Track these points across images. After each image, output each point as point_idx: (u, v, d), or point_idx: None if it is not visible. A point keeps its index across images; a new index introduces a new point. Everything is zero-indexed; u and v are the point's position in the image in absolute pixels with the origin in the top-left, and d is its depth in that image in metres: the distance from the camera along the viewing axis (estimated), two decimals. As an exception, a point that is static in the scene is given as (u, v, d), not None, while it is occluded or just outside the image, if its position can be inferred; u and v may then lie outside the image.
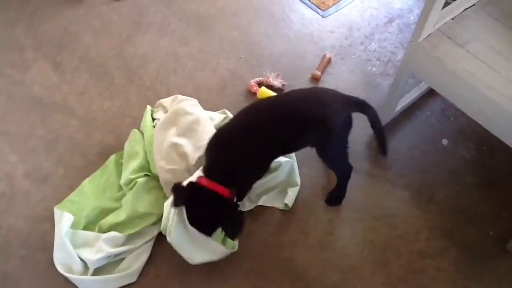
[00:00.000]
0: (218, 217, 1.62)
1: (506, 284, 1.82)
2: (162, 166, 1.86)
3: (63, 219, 1.79)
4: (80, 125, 2.19)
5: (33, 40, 2.51)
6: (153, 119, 2.09)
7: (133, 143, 2.03)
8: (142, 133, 2.05)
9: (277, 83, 2.33)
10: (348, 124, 1.81)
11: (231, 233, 1.65)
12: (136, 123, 2.18)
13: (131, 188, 1.87)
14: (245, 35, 2.59)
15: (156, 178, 1.91)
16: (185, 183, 1.64)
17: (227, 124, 1.81)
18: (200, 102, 2.27)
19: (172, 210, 1.64)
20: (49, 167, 2.05)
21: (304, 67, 2.45)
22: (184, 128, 1.93)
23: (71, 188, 1.97)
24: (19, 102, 2.25)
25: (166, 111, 2.08)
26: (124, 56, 2.46)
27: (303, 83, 2.38)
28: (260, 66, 2.42)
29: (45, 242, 1.82)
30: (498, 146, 2.15)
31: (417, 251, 1.89)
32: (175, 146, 1.87)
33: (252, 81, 2.33)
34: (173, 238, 1.66)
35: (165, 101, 2.13)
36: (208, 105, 2.26)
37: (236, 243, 1.82)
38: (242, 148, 1.64)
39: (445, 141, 2.20)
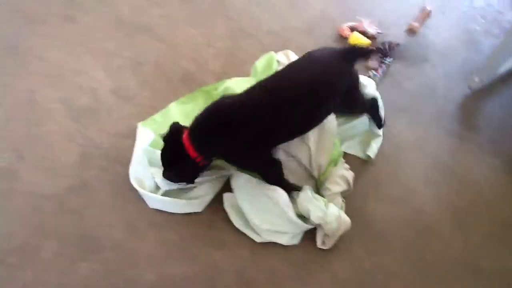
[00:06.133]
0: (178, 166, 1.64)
1: None
2: (283, 149, 1.77)
3: (144, 136, 1.81)
4: (166, 49, 2.18)
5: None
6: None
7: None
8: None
9: (371, 30, 2.20)
10: (351, 78, 1.67)
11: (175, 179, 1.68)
12: (221, 54, 2.15)
13: None
14: (340, -23, 2.46)
15: None
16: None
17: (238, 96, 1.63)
18: (286, 42, 2.21)
19: None
20: (134, 87, 2.06)
21: (400, 16, 2.30)
22: None
23: (154, 109, 1.97)
24: (107, 21, 2.25)
25: None
26: (214, -16, 2.39)
27: (398, 34, 2.24)
28: (353, 10, 2.30)
29: (124, 157, 1.84)
30: None
31: (501, 221, 1.78)
32: None
33: (344, 25, 2.22)
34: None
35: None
36: (293, 46, 2.18)
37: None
38: (242, 130, 1.54)
39: (547, 112, 2.03)
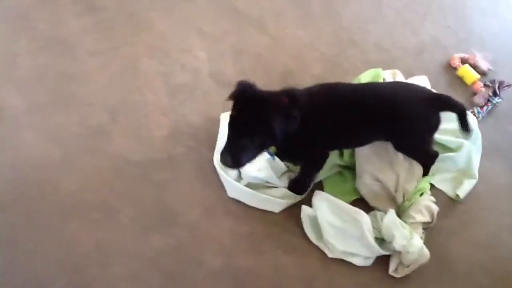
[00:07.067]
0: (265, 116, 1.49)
1: None
2: (371, 172, 1.75)
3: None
4: (270, 44, 2.18)
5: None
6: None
7: None
8: None
9: (483, 65, 2.11)
10: (432, 123, 1.65)
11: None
12: (324, 59, 2.13)
13: None
14: (457, 4, 2.36)
15: None
16: None
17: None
18: (392, 61, 2.15)
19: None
20: (232, 73, 2.07)
21: (516, 57, 2.19)
22: None
23: (247, 99, 1.98)
24: (221, 7, 2.29)
25: None
26: (328, -11, 2.38)
27: (510, 74, 2.13)
28: (468, 42, 2.21)
29: (212, 141, 1.86)
30: None
31: None
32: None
33: (455, 55, 2.13)
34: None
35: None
36: (398, 65, 2.12)
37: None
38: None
39: None
